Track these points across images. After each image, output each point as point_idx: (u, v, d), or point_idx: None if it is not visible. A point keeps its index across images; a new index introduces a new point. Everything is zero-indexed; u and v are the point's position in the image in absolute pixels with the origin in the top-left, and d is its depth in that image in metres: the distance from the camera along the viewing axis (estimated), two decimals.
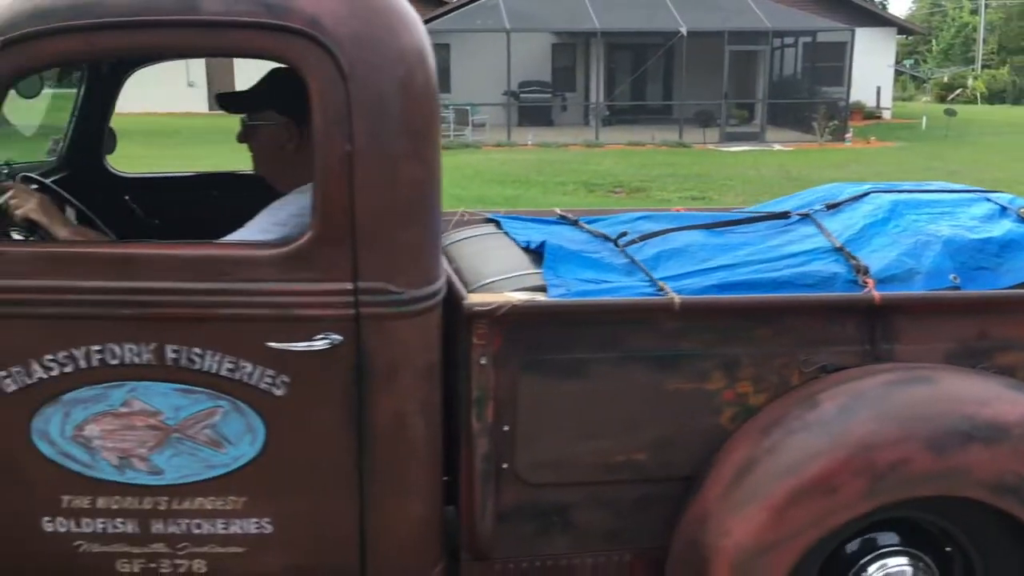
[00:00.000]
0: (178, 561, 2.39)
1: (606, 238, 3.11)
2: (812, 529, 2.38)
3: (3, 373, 2.25)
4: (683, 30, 24.19)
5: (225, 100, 2.67)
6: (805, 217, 3.10)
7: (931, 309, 2.60)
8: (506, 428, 2.47)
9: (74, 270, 2.24)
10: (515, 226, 3.24)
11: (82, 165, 3.31)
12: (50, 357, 2.24)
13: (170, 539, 2.37)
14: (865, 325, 2.56)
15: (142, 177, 3.54)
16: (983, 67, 48.61)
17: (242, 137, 2.66)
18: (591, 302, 2.50)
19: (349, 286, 2.25)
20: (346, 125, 2.19)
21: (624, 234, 3.06)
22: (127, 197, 3.26)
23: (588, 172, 16.59)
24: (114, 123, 3.35)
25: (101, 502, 2.34)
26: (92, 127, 3.37)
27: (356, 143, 2.20)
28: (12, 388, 2.26)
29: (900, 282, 2.64)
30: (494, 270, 2.80)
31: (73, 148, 3.33)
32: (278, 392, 2.28)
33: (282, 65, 2.38)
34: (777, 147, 23.18)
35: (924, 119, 28.11)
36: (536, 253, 2.98)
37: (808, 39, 27.47)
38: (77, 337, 2.24)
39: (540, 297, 2.53)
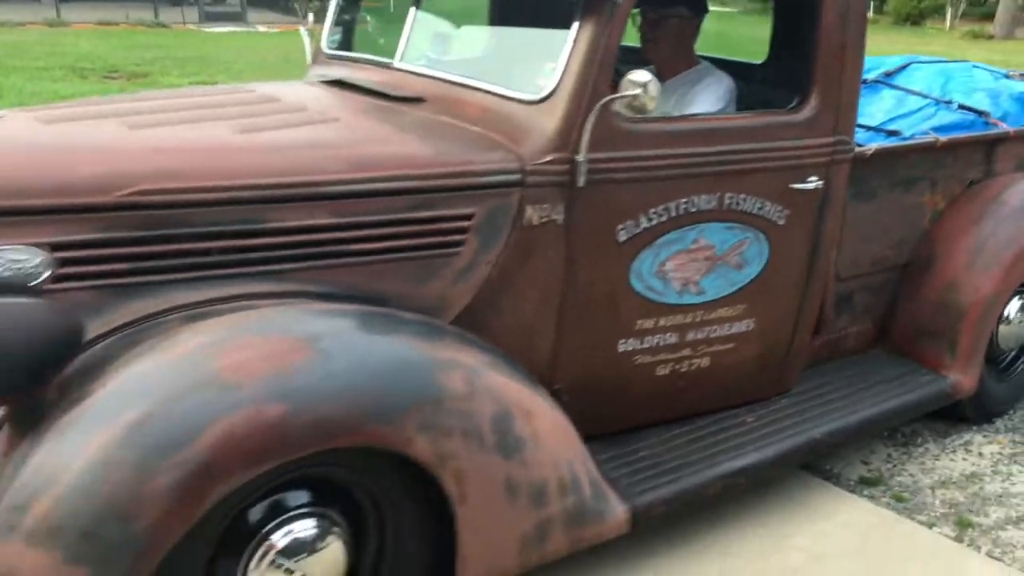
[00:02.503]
0: (693, 361, 3.13)
1: None
2: (1021, 277, 3.75)
3: (620, 226, 2.80)
4: None
5: None
6: (875, 83, 4.34)
7: (1015, 141, 4.02)
8: None
9: (681, 141, 2.84)
10: None
11: None
12: (653, 210, 2.84)
13: (695, 344, 3.10)
14: (988, 152, 3.93)
15: None
16: None
17: (647, 28, 3.27)
18: (913, 143, 3.58)
19: (831, 140, 3.11)
20: (845, 21, 3.03)
21: None
22: None
23: (70, 55, 14.69)
24: None
25: (662, 321, 3.00)
26: None
27: (848, 35, 3.05)
28: (624, 238, 2.82)
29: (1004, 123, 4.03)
30: None
31: None
32: (781, 222, 3.10)
33: None
34: (262, 28, 22.45)
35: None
36: None
37: None
38: (673, 193, 2.86)
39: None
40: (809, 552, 3.15)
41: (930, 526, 3.35)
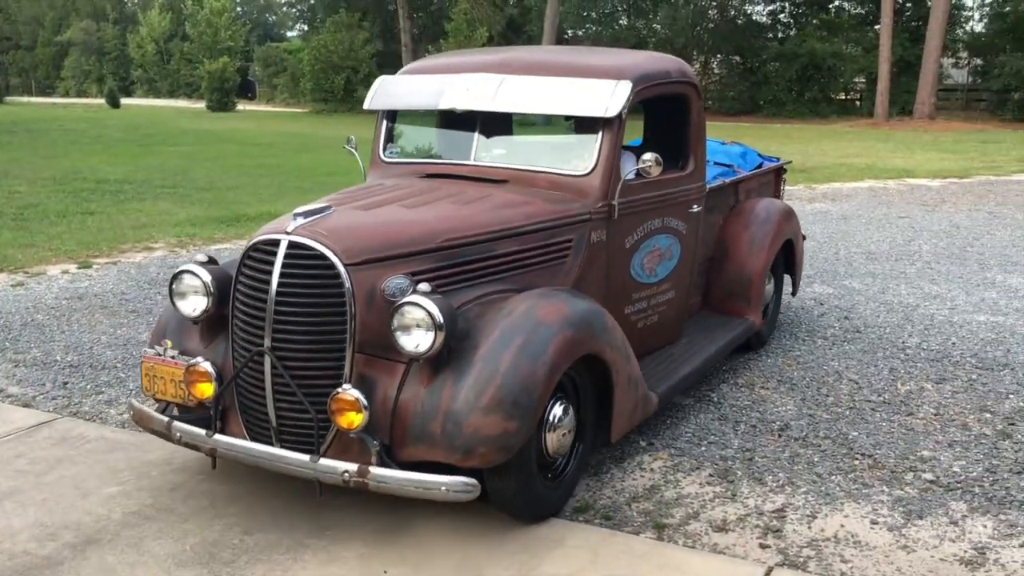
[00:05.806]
0: (651, 318, 5.38)
1: None
2: (772, 259, 6.43)
3: (626, 239, 5.02)
4: None
5: None
6: None
7: (748, 179, 6.77)
8: None
9: (648, 188, 5.11)
10: None
11: None
12: (638, 229, 5.09)
13: (653, 307, 5.37)
14: (736, 188, 6.64)
15: None
16: None
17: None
18: (719, 184, 6.13)
19: (701, 184, 5.56)
20: (699, 116, 5.50)
21: None
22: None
23: None
24: None
25: (642, 294, 5.23)
26: None
27: (701, 123, 5.52)
28: (628, 246, 5.04)
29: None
30: None
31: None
32: (684, 232, 5.46)
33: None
34: None
35: None
36: None
37: None
38: (646, 218, 5.12)
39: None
40: (556, 574, 3.70)
41: (637, 533, 4.04)
